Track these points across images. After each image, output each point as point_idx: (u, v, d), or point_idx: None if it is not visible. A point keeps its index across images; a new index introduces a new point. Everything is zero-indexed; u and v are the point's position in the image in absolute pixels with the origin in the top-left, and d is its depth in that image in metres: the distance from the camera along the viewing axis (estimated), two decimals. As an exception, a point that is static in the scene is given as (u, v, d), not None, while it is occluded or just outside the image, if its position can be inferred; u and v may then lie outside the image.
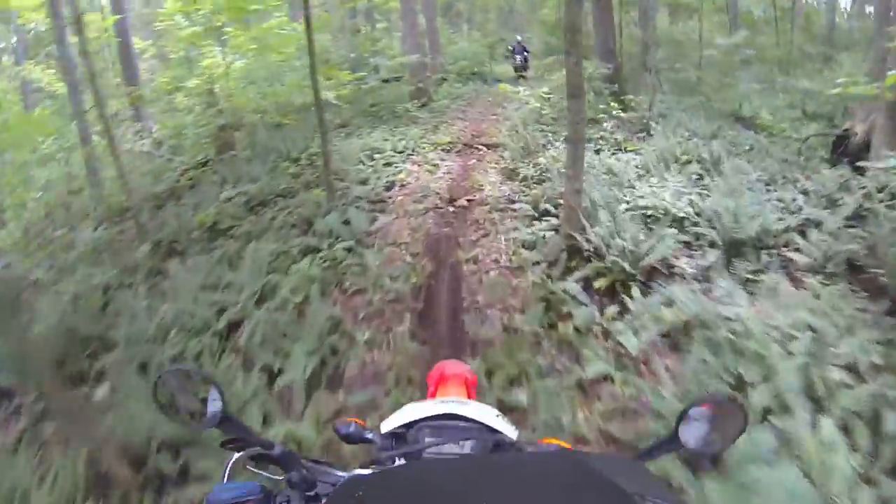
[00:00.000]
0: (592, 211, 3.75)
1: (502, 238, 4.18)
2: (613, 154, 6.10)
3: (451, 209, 5.11)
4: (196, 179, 8.97)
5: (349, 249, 4.17)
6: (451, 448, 0.90)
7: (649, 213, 3.86)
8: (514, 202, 4.89)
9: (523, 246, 3.88)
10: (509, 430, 0.97)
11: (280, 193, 6.51)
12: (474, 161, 6.70)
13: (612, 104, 7.42)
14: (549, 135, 6.73)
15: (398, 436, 0.96)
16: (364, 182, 6.06)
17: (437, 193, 5.53)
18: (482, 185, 5.58)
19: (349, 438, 0.96)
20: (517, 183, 5.42)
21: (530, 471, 0.65)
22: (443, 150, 7.31)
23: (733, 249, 3.71)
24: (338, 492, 0.71)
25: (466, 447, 0.90)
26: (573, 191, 3.65)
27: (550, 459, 0.76)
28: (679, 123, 6.94)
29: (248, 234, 5.23)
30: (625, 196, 4.32)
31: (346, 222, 4.64)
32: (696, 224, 3.82)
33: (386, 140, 8.17)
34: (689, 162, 5.25)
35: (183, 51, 15.21)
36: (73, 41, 8.29)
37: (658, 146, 5.82)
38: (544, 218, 4.30)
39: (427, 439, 0.92)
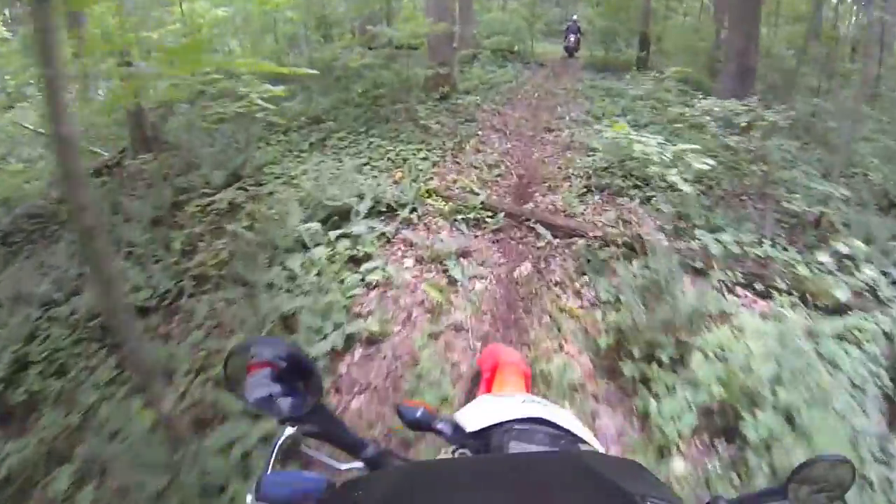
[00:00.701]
0: None
1: None
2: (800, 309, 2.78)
3: None
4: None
5: None
6: None
7: None
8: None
9: None
10: (597, 445, 0.91)
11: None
12: (529, 270, 3.33)
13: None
14: (697, 264, 3.18)
15: (476, 433, 0.86)
16: (286, 331, 2.74)
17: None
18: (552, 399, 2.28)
19: (416, 425, 0.86)
20: (640, 430, 2.13)
21: (533, 471, 0.64)
22: (468, 221, 3.93)
23: None
24: (338, 493, 0.64)
25: None
26: None
27: (553, 460, 0.76)
28: (865, 232, 3.55)
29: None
30: None
31: None
32: None
33: (369, 172, 4.80)
34: None
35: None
36: None
37: None
38: None
39: (513, 443, 0.82)
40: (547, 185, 4.62)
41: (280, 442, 0.69)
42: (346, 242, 3.48)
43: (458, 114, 6.79)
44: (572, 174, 4.75)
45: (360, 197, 4.03)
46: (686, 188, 3.12)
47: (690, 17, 16.29)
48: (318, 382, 0.67)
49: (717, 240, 3.24)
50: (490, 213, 3.97)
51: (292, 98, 6.72)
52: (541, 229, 3.71)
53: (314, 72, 4.18)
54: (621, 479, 0.59)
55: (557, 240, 3.60)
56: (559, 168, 5.01)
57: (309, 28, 11.31)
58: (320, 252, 3.36)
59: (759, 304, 2.90)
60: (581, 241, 3.43)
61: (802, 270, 3.10)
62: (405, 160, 5.14)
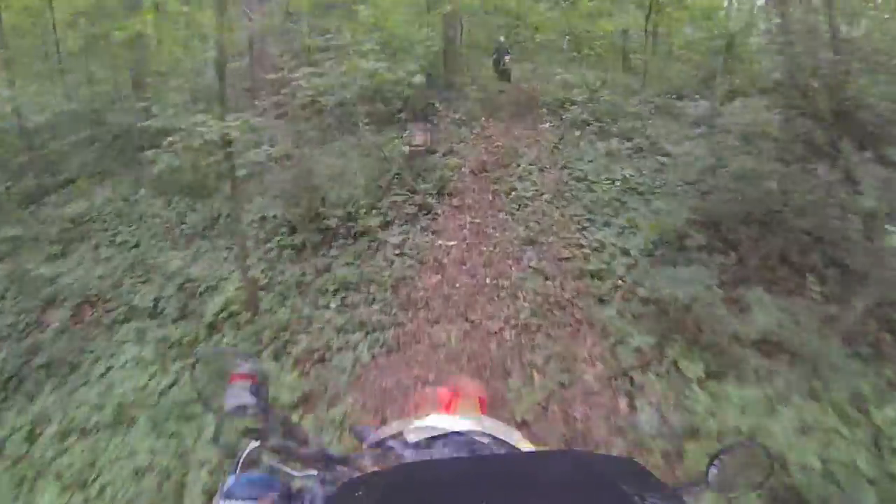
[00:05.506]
0: None
1: None
2: None
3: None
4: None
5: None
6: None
7: None
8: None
9: None
10: (527, 447, 0.92)
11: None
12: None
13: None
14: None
15: (416, 444, 0.88)
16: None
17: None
18: None
19: (373, 444, 0.90)
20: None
21: (531, 471, 0.64)
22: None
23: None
24: (339, 493, 0.69)
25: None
26: None
27: (551, 459, 0.76)
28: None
29: None
30: None
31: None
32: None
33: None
34: None
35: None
36: None
37: None
38: None
39: (445, 450, 0.86)
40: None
41: (244, 455, 0.74)
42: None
43: None
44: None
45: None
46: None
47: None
48: (268, 381, 0.73)
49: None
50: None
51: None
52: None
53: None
54: (621, 478, 0.59)
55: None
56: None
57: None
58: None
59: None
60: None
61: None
62: None
